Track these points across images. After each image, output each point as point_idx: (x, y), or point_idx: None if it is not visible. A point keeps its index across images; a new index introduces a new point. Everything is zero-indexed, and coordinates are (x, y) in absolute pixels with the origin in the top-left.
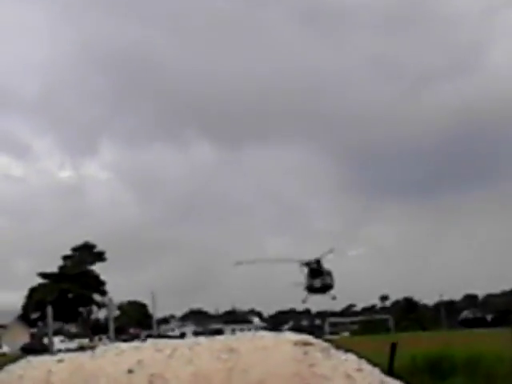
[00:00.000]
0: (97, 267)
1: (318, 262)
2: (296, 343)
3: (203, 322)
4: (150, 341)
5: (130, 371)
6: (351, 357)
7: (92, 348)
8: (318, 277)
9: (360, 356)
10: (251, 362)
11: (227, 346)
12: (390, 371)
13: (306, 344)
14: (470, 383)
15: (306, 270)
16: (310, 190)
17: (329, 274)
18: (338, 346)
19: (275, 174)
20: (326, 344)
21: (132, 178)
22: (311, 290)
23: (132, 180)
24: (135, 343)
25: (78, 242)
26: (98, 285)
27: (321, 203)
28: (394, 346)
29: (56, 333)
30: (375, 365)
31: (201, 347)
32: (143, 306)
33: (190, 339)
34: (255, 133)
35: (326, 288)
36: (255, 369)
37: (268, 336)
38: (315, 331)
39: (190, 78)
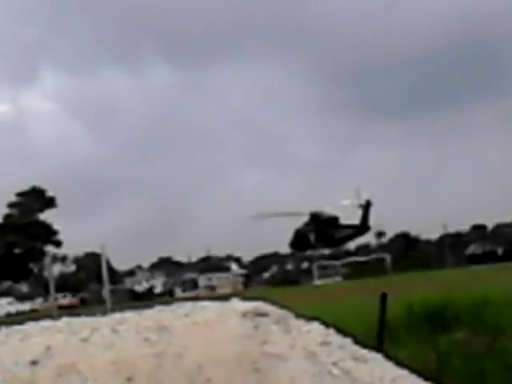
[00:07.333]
0: (47, 215)
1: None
2: (245, 314)
3: (174, 272)
4: (64, 320)
5: (34, 362)
6: (316, 326)
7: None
8: (334, 228)
9: (344, 309)
10: (187, 342)
11: (158, 322)
12: (380, 328)
13: (258, 314)
14: (474, 335)
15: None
16: (288, 113)
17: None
18: (324, 296)
19: (247, 96)
20: (283, 312)
21: (80, 109)
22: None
23: (80, 111)
24: (47, 323)
25: (24, 186)
26: (50, 235)
27: (301, 128)
28: (384, 297)
29: (4, 294)
30: (346, 334)
31: (125, 326)
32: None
33: (116, 315)
34: (221, 50)
35: (343, 240)
36: (191, 352)
37: (211, 307)
38: (302, 277)
39: None
